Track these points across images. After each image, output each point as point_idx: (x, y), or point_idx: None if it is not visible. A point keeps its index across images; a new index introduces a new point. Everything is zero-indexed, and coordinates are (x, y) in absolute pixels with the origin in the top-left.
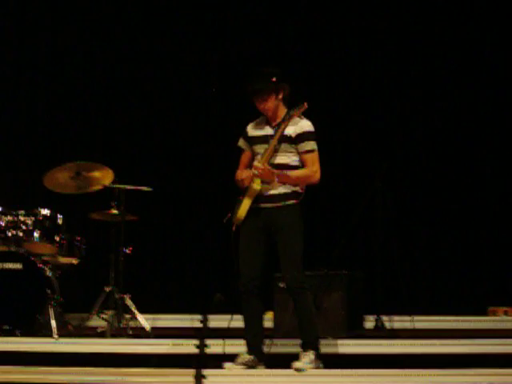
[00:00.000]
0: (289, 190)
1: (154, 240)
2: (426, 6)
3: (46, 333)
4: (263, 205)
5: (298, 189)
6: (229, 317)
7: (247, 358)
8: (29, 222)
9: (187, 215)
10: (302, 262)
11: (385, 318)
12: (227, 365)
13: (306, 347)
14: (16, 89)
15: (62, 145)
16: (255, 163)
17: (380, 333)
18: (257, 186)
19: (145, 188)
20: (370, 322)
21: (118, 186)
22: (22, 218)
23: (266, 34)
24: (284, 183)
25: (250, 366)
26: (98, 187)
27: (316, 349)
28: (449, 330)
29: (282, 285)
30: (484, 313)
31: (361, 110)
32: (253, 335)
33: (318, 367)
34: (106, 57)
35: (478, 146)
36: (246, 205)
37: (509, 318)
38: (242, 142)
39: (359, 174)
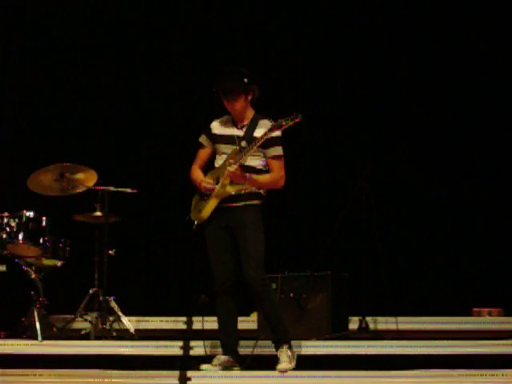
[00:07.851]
0: (252, 191)
1: (139, 241)
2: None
3: (31, 335)
4: (226, 204)
5: (261, 190)
6: (214, 318)
7: (222, 358)
8: (13, 224)
9: (171, 216)
10: (264, 261)
11: (369, 318)
12: (204, 366)
13: (279, 343)
14: None
15: (45, 147)
16: (229, 167)
17: (364, 334)
18: (230, 189)
19: (129, 189)
20: (354, 323)
21: (101, 187)
22: (6, 220)
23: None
24: (253, 186)
25: (225, 366)
26: (81, 189)
27: (288, 341)
28: (433, 331)
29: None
30: (468, 313)
31: (345, 110)
32: (227, 335)
33: (295, 358)
34: (90, 57)
35: (460, 148)
36: (212, 205)
37: (493, 318)
38: (203, 139)
39: (344, 174)
